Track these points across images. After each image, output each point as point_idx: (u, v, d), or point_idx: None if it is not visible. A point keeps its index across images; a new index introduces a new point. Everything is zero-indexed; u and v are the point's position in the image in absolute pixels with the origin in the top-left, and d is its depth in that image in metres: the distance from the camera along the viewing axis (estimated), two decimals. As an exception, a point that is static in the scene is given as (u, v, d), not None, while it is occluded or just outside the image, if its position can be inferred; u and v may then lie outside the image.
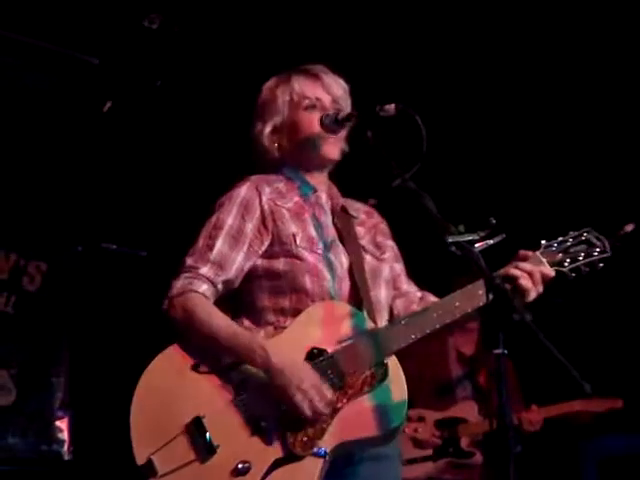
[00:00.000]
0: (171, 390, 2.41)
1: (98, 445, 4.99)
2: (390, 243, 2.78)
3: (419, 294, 2.75)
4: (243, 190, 2.59)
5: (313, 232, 2.58)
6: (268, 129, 2.69)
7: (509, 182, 5.32)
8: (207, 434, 2.33)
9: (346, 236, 2.64)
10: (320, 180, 2.72)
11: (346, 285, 2.55)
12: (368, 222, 2.77)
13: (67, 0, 4.38)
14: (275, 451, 2.32)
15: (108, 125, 4.99)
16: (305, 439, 2.32)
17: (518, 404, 4.53)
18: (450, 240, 2.10)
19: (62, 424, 5.10)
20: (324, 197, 2.70)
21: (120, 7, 4.43)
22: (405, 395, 2.39)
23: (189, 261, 2.52)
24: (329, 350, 2.41)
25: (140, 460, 2.36)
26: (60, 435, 5.10)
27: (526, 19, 4.54)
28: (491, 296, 2.03)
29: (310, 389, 2.31)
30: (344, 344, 2.42)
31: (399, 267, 2.77)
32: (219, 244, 2.53)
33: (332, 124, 2.58)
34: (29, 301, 5.13)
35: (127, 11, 4.46)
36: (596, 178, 5.15)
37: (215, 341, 2.42)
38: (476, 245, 2.13)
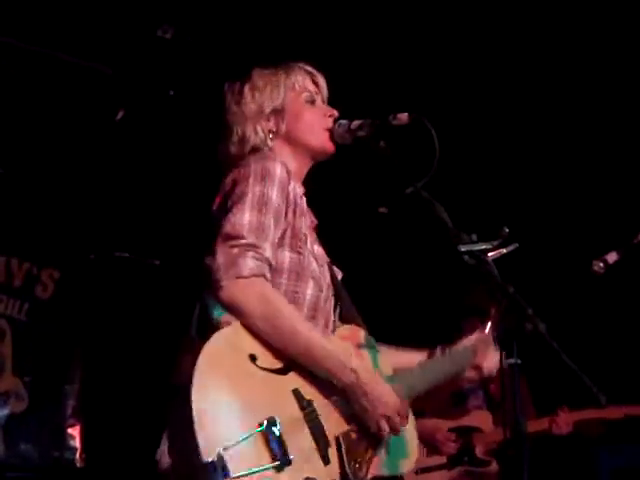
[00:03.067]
0: (235, 379, 2.12)
1: (110, 452, 5.00)
2: None
3: None
4: (278, 169, 2.34)
5: (312, 238, 2.46)
6: (266, 111, 2.53)
7: (522, 191, 5.31)
8: (285, 443, 2.09)
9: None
10: (302, 179, 2.57)
11: (330, 303, 2.46)
12: None
13: (80, 10, 4.40)
14: (332, 472, 2.20)
15: (121, 134, 5.01)
16: (358, 465, 2.26)
17: (529, 411, 4.50)
18: (463, 249, 2.09)
19: (74, 431, 5.12)
20: (305, 201, 2.52)
21: (134, 17, 4.45)
22: (416, 450, 2.45)
23: (250, 238, 2.22)
24: None
25: (207, 455, 1.99)
26: (72, 442, 5.11)
27: (543, 25, 4.52)
28: (505, 305, 2.02)
29: (394, 414, 2.29)
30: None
31: None
32: (271, 223, 2.27)
33: (344, 133, 2.53)
34: (42, 309, 5.15)
35: (140, 21, 4.49)
36: (607, 187, 5.14)
37: (295, 341, 2.20)
38: (489, 254, 2.12)
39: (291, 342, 2.19)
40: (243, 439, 2.03)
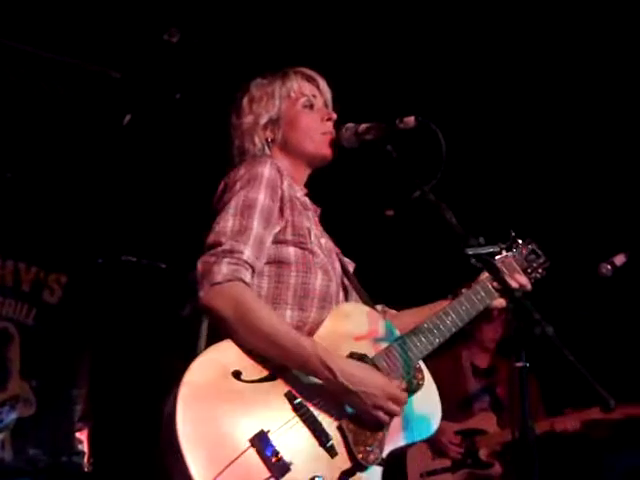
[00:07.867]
0: (220, 402, 2.12)
1: (117, 457, 5.01)
2: None
3: None
4: (266, 170, 2.40)
5: (318, 231, 2.53)
6: (262, 121, 2.59)
7: (529, 194, 5.31)
8: (280, 451, 2.11)
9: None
10: (303, 183, 2.64)
11: (340, 292, 2.50)
12: None
13: (88, 15, 4.42)
14: (341, 463, 2.22)
15: (128, 138, 5.02)
16: (368, 449, 2.26)
17: (538, 412, 4.50)
18: (470, 252, 2.09)
19: (82, 436, 5.12)
20: (307, 199, 2.60)
21: (140, 21, 4.46)
22: (439, 405, 2.45)
23: (228, 244, 2.27)
24: (369, 355, 2.35)
25: None
26: (80, 446, 5.12)
27: (551, 28, 4.51)
28: (512, 308, 2.02)
29: (385, 401, 2.26)
30: (380, 349, 2.38)
31: None
32: (255, 225, 2.32)
33: (351, 136, 2.54)
34: (50, 313, 5.16)
35: (147, 25, 4.50)
36: (614, 189, 5.13)
37: (274, 343, 2.20)
38: (496, 257, 2.12)
39: (270, 343, 2.21)
40: (236, 458, 2.05)
